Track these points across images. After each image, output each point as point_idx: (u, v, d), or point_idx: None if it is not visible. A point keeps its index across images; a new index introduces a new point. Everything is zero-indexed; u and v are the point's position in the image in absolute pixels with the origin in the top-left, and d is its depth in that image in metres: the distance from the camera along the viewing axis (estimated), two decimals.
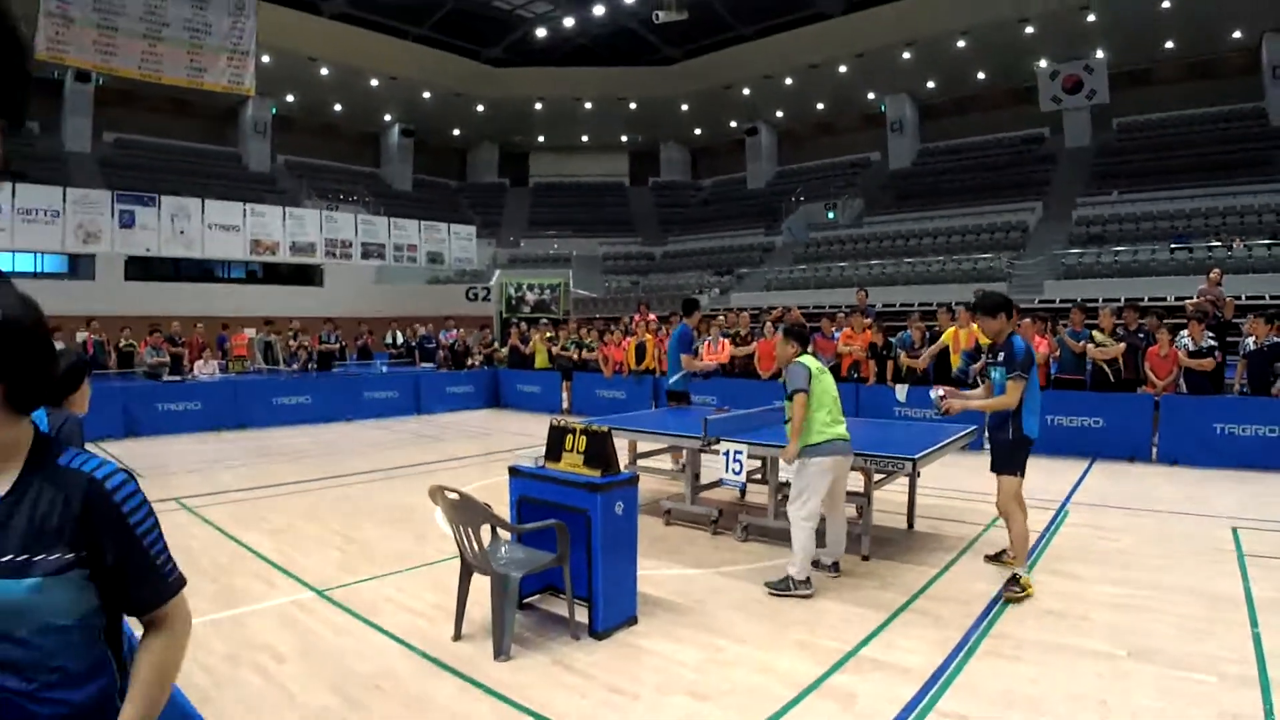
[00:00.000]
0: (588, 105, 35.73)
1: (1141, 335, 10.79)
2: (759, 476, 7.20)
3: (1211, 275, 12.70)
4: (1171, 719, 3.58)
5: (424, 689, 3.91)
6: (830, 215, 31.35)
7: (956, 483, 8.70)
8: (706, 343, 13.34)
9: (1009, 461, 5.49)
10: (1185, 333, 10.46)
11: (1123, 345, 10.69)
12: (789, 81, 32.87)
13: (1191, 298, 12.86)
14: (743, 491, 7.60)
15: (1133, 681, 3.97)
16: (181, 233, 18.98)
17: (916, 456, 5.82)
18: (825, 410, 5.42)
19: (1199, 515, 7.47)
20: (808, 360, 5.55)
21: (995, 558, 5.93)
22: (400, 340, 19.17)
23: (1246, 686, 3.89)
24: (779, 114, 36.36)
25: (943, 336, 11.63)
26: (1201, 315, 11.05)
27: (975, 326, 11.37)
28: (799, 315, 14.22)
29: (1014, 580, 5.21)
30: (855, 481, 6.58)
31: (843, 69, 31.40)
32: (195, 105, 29.09)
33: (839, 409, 5.55)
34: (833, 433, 5.40)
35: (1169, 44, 27.58)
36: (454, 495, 4.41)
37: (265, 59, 24.33)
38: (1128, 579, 5.60)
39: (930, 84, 32.14)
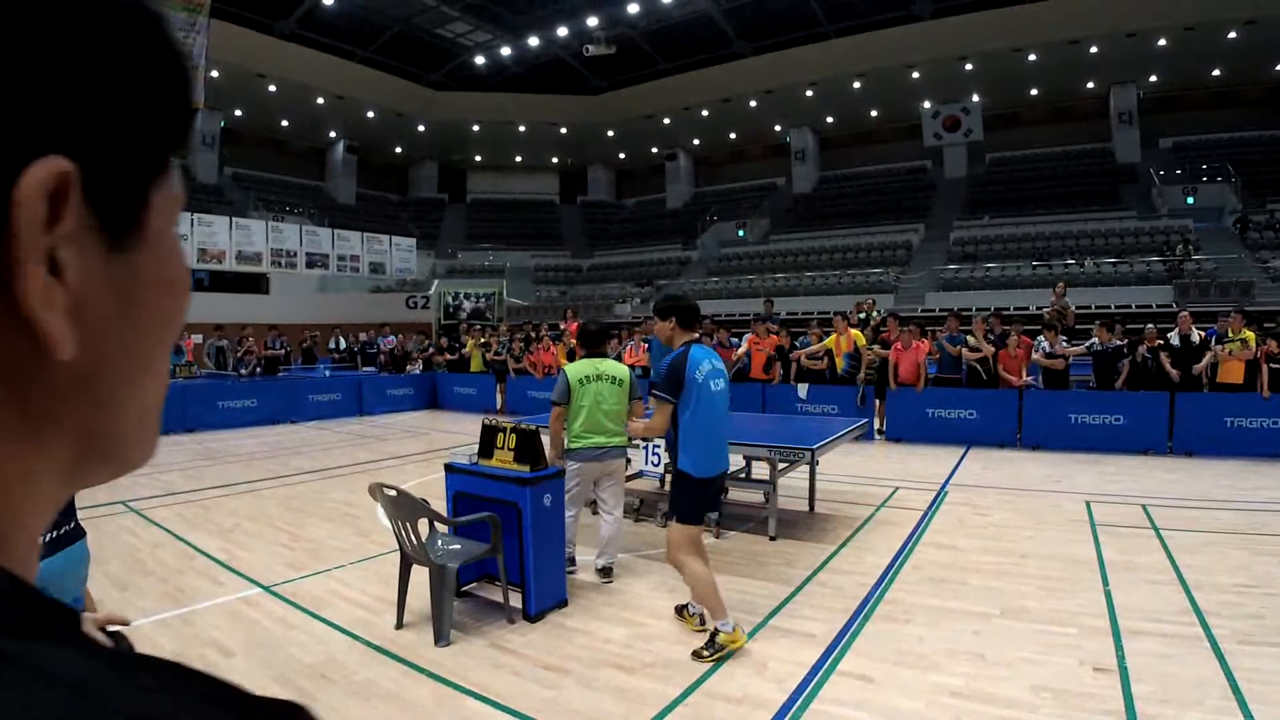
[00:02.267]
0: (522, 129, 35.40)
1: (1002, 339, 11.25)
2: None
3: (1057, 288, 13.21)
4: (1040, 667, 3.72)
5: (368, 676, 3.78)
6: (740, 233, 31.65)
7: (852, 469, 8.93)
8: (629, 347, 13.34)
9: (675, 503, 4.20)
10: (1042, 338, 10.94)
11: (992, 348, 11.11)
12: (705, 113, 33.18)
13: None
14: (662, 481, 7.60)
15: (1006, 636, 4.12)
16: None
17: (815, 447, 5.95)
18: (579, 421, 5.09)
19: (1058, 492, 7.78)
20: (576, 370, 5.17)
21: (681, 613, 4.52)
22: (344, 345, 18.64)
23: (1102, 636, 4.09)
24: (696, 141, 36.64)
25: (825, 341, 11.99)
26: (1055, 324, 11.53)
27: (854, 332, 11.79)
28: (710, 325, 14.30)
29: (711, 640, 3.98)
30: (761, 470, 6.67)
31: (753, 103, 31.90)
32: None
33: (600, 418, 5.11)
34: (585, 441, 5.11)
35: (1034, 91, 28.94)
36: (392, 492, 4.29)
37: (215, 74, 23.34)
38: (999, 548, 5.81)
39: (830, 119, 32.86)
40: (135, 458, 0.41)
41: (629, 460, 5.64)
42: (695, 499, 4.13)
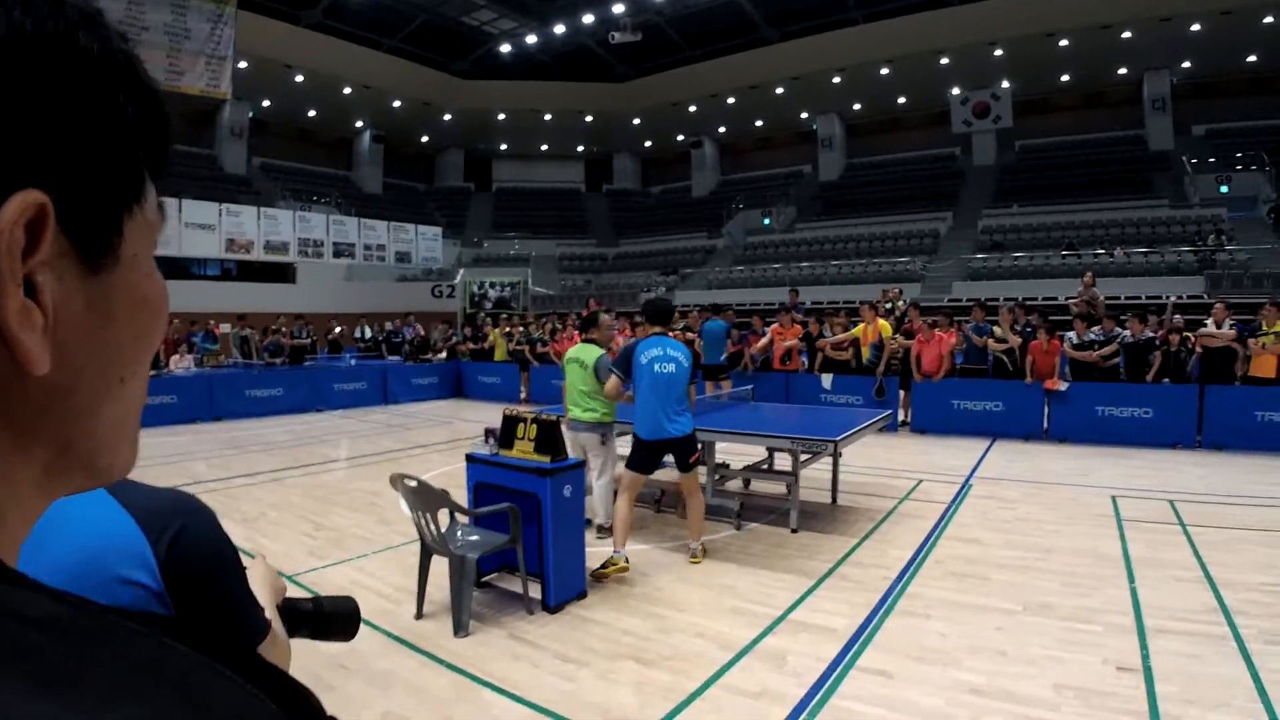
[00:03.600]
0: (547, 117, 35.32)
1: (1030, 330, 11.08)
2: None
3: (1085, 278, 12.91)
4: (1062, 665, 3.68)
5: (388, 666, 3.82)
6: (766, 221, 31.40)
7: (875, 460, 8.87)
8: None
9: (629, 455, 5.42)
10: (1072, 331, 10.77)
11: (1019, 338, 10.95)
12: (731, 100, 32.87)
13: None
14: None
15: (1028, 633, 4.07)
16: None
17: (838, 438, 5.88)
18: (566, 396, 6.08)
19: (1084, 486, 7.67)
20: (568, 353, 6.13)
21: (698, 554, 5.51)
22: (369, 335, 18.79)
23: (1127, 634, 4.03)
24: (721, 129, 36.32)
25: (853, 330, 11.90)
26: (1086, 316, 11.33)
27: (881, 322, 11.69)
28: (731, 315, 14.23)
29: (605, 564, 5.09)
30: (784, 461, 6.65)
31: (779, 90, 31.54)
32: (173, 107, 27.50)
33: (574, 394, 5.89)
34: (569, 414, 5.88)
35: (1065, 77, 28.27)
36: (413, 482, 4.31)
37: (243, 65, 23.48)
38: (1023, 543, 5.74)
39: (857, 106, 32.42)
40: (113, 466, 0.44)
41: (603, 438, 5.89)
42: (638, 454, 5.32)
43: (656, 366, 5.22)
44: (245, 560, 1.27)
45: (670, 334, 5.61)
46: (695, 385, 5.88)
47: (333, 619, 1.22)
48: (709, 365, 12.17)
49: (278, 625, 1.09)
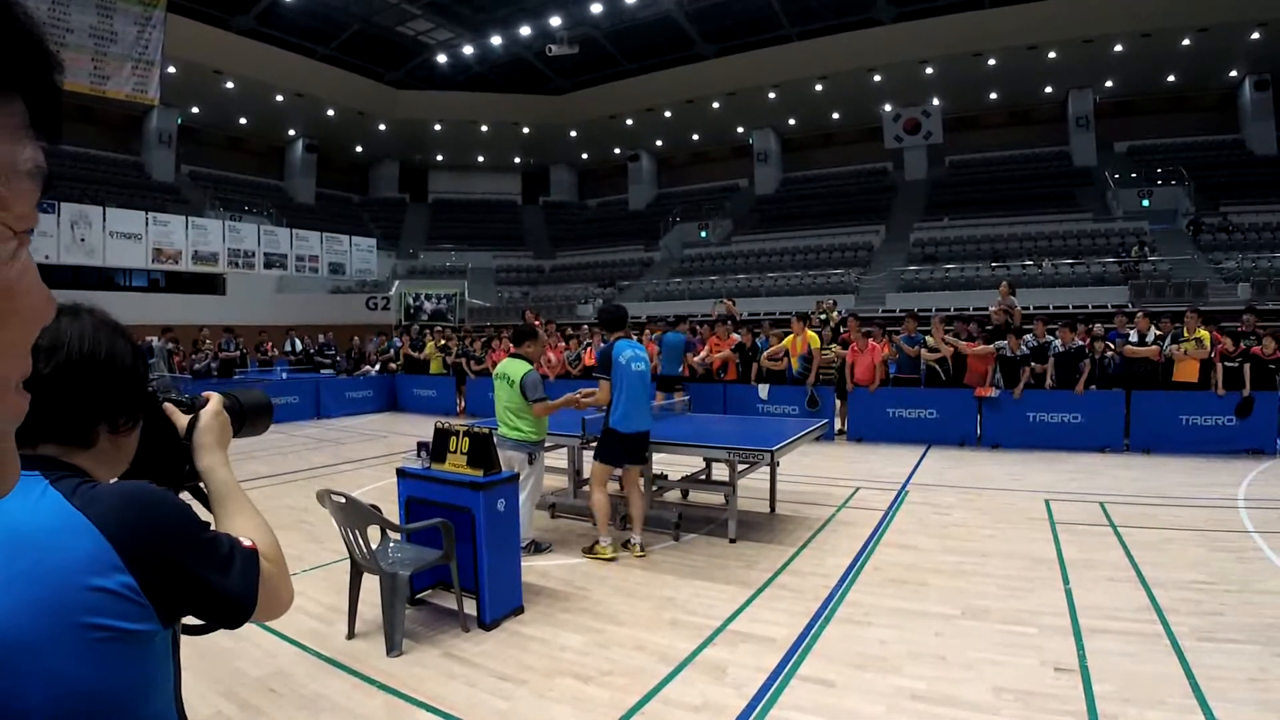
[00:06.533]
0: (484, 128, 35.03)
1: (970, 337, 11.29)
2: None
3: (1002, 288, 13.14)
4: (1001, 668, 3.69)
5: (318, 689, 3.64)
6: (703, 234, 31.66)
7: (813, 469, 8.91)
8: (589, 348, 13.23)
9: (599, 449, 5.77)
10: (1004, 342, 11.00)
11: (951, 348, 11.16)
12: (668, 114, 33.12)
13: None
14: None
15: (967, 637, 4.08)
16: (82, 240, 17.45)
17: (775, 448, 5.89)
18: None
19: (1017, 490, 7.82)
20: (497, 368, 5.98)
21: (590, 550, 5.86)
22: (299, 347, 18.24)
23: (1063, 635, 4.07)
24: (659, 143, 36.58)
25: (783, 342, 12.01)
26: (1014, 328, 11.53)
27: (810, 334, 11.81)
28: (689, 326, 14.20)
29: (591, 548, 5.72)
30: (721, 471, 6.61)
31: (716, 105, 31.91)
32: (98, 113, 26.26)
33: (500, 410, 5.81)
34: (499, 432, 5.72)
35: (993, 95, 29.31)
36: (340, 498, 4.15)
37: (171, 70, 22.71)
38: (960, 548, 5.80)
39: (792, 121, 33.01)
40: None
41: (531, 456, 5.70)
42: (614, 448, 5.66)
43: (634, 366, 5.64)
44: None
45: (630, 336, 6.03)
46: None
47: (250, 411, 1.35)
48: (665, 376, 11.86)
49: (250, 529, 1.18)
